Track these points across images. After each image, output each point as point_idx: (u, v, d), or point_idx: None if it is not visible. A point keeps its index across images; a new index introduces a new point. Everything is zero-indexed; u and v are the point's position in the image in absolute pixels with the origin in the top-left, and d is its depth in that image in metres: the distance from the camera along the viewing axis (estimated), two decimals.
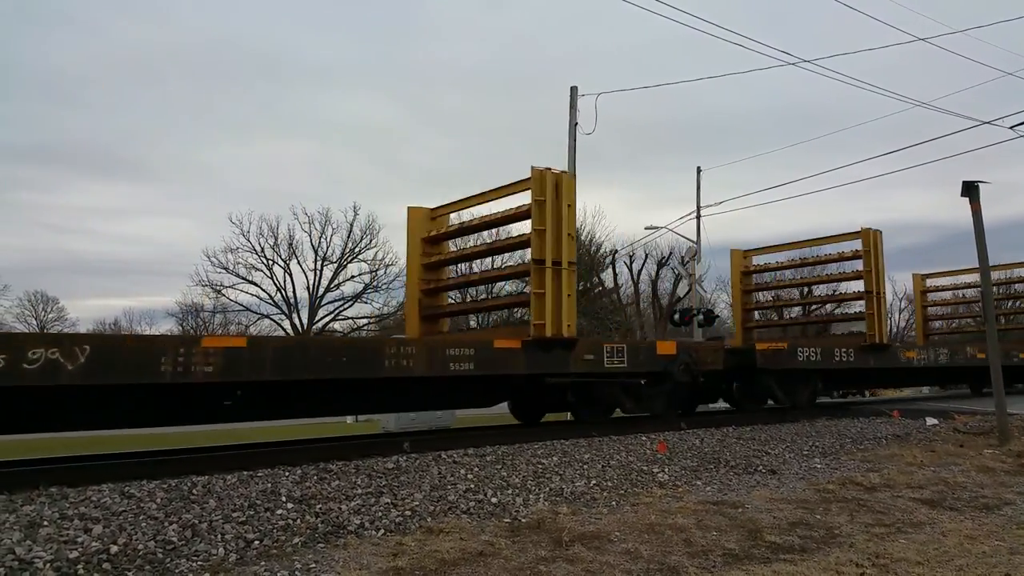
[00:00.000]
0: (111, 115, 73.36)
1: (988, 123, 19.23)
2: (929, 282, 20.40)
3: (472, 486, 6.25)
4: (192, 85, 72.94)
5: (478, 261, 22.22)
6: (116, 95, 72.73)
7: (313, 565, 4.34)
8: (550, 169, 8.94)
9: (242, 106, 75.61)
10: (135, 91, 72.30)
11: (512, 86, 78.97)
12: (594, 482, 6.74)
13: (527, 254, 9.31)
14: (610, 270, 46.79)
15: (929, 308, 20.72)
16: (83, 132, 73.67)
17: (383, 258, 51.20)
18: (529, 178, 8.93)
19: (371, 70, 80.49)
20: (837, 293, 17.14)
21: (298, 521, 5.11)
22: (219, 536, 4.73)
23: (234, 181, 73.12)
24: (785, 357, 11.59)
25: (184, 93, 72.14)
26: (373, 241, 51.19)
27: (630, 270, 47.78)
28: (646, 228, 30.94)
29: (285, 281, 49.89)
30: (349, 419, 25.67)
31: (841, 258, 14.65)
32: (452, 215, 10.92)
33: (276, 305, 49.87)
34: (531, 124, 79.18)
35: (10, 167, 67.42)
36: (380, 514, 5.42)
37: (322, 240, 50.51)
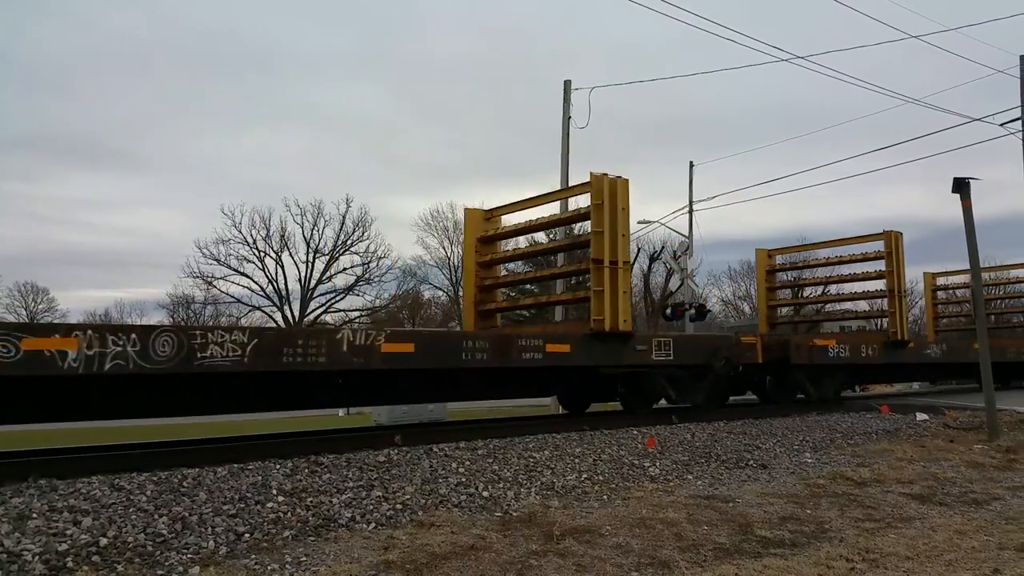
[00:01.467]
0: (102, 106, 73.00)
1: (979, 120, 19.34)
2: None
3: (463, 480, 6.25)
4: (183, 76, 72.54)
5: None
6: (107, 85, 72.35)
7: (304, 558, 4.33)
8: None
9: (234, 97, 75.28)
10: (126, 81, 71.88)
11: (505, 78, 78.78)
12: (585, 476, 6.75)
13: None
14: None
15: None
16: (73, 122, 73.30)
17: (375, 251, 51.24)
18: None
19: (364, 62, 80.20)
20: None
21: (289, 514, 5.09)
22: (209, 529, 4.71)
23: (226, 172, 72.80)
24: None
25: (175, 84, 71.78)
26: (365, 233, 51.25)
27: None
28: (638, 222, 30.99)
29: (277, 273, 49.88)
30: (340, 412, 25.63)
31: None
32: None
33: (267, 297, 49.87)
34: (524, 116, 79.17)
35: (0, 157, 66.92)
36: (371, 507, 5.41)
37: (314, 232, 50.56)
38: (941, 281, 20.91)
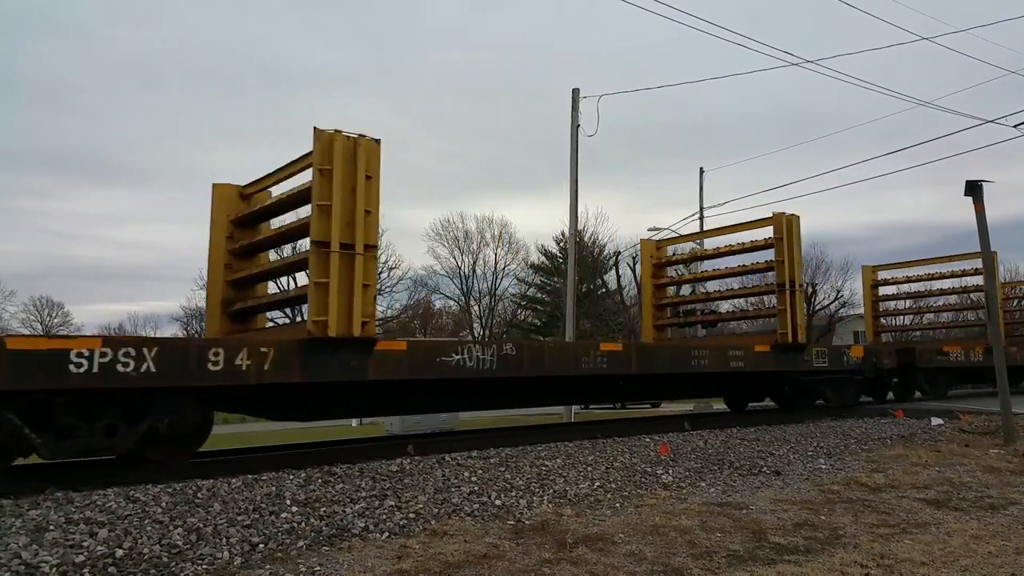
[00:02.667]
0: (112, 121, 73.87)
1: (992, 122, 19.20)
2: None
3: (476, 488, 6.25)
4: (192, 91, 73.36)
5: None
6: (117, 101, 73.23)
7: (318, 568, 4.35)
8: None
9: (242, 111, 75.95)
10: (135, 97, 72.77)
11: (511, 90, 79.11)
12: (598, 484, 6.74)
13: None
14: (613, 272, 46.81)
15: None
16: (84, 139, 74.32)
17: (386, 261, 51.43)
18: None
19: (369, 76, 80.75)
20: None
21: (303, 524, 5.12)
22: (224, 540, 4.75)
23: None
24: None
25: (184, 99, 72.60)
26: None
27: (633, 272, 47.84)
28: (649, 230, 31.07)
29: (288, 284, 50.07)
30: (354, 422, 25.71)
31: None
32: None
33: (281, 308, 50.05)
34: (531, 127, 79.41)
35: (12, 174, 67.93)
36: (384, 517, 5.43)
37: None
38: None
